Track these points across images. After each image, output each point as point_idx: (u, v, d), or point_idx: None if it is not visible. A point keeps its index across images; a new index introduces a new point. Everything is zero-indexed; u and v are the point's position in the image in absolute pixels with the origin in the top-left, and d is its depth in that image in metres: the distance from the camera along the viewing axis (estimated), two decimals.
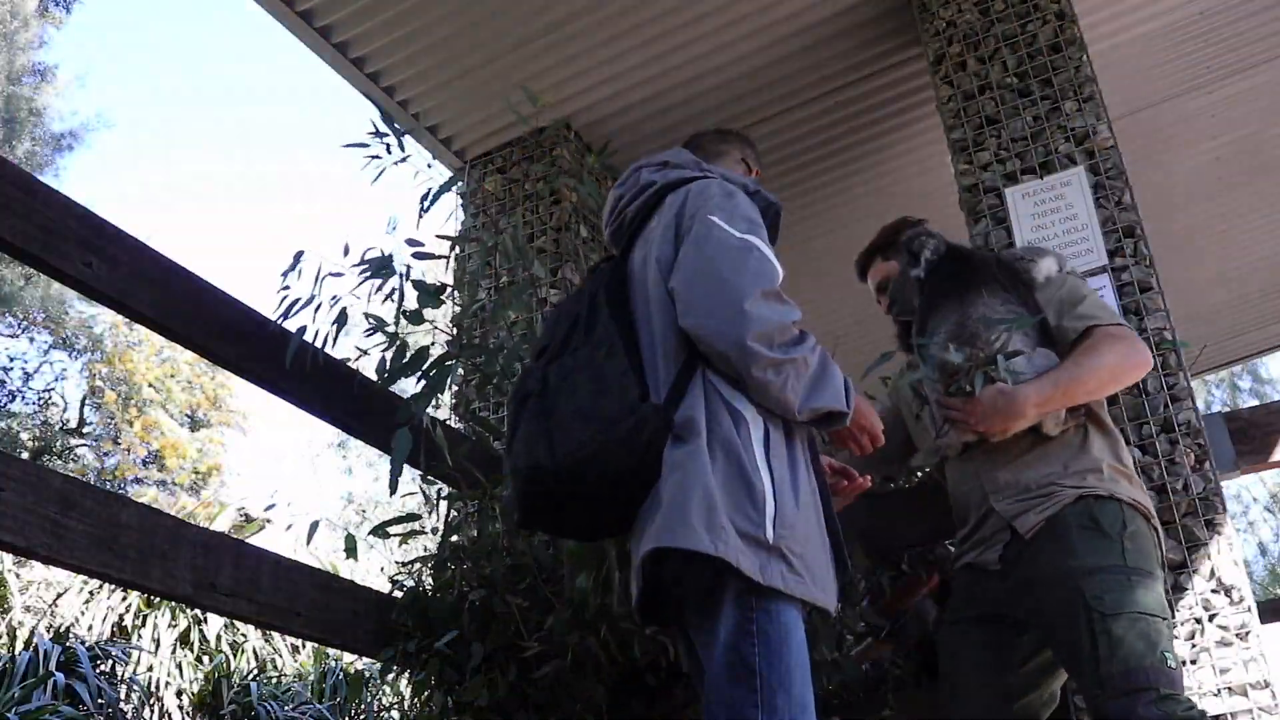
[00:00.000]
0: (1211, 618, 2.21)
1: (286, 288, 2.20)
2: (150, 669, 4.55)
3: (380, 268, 2.28)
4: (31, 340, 12.21)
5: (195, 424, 13.72)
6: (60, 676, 3.89)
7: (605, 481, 1.44)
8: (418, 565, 2.52)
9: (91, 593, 4.85)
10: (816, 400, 1.48)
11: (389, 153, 2.41)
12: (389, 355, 2.25)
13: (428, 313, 2.30)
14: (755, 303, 1.46)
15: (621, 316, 1.60)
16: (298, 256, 2.26)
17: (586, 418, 1.45)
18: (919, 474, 3.37)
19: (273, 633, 5.16)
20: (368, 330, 2.32)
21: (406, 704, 2.49)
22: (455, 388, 3.12)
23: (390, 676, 2.76)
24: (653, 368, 1.55)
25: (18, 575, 4.92)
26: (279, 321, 2.19)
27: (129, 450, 12.44)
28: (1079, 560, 1.77)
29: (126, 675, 4.45)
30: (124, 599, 4.83)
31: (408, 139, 2.50)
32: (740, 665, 1.37)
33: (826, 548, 1.50)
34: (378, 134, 2.41)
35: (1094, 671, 1.70)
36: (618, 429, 1.43)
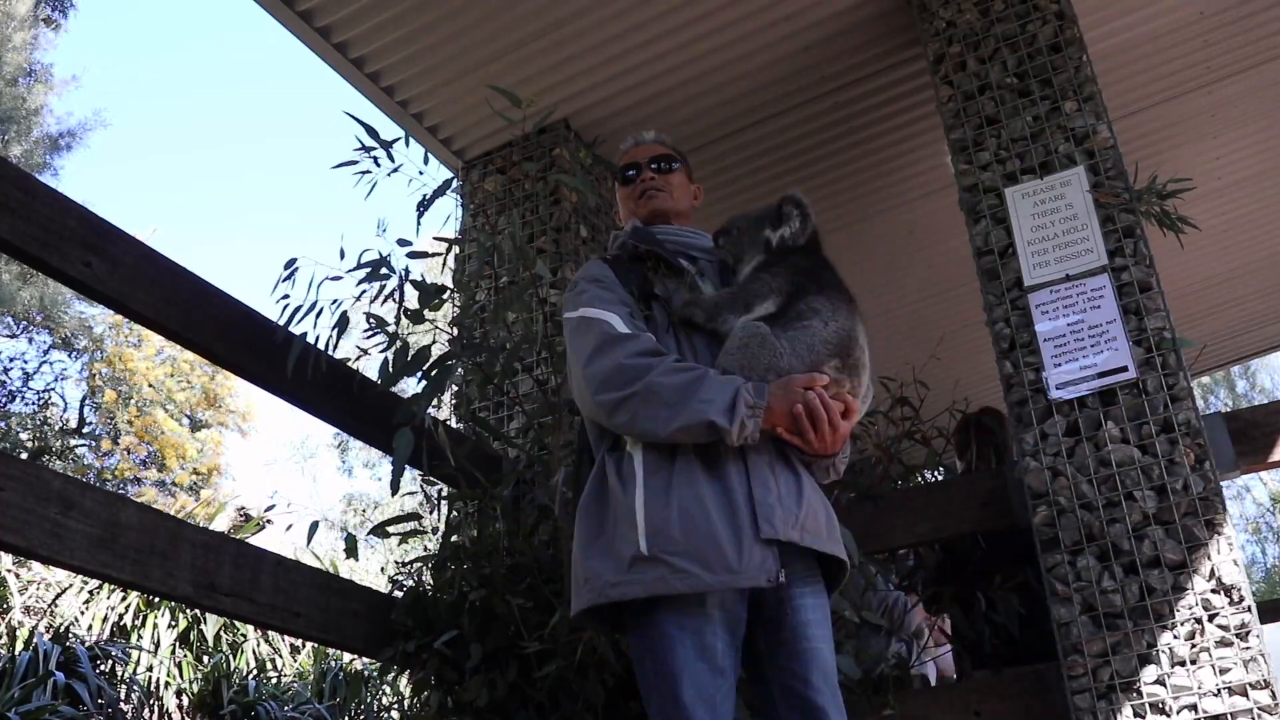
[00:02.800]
0: (1211, 618, 2.21)
1: (286, 297, 2.20)
2: (150, 669, 4.55)
3: (377, 270, 2.28)
4: (31, 340, 12.20)
5: (195, 424, 13.71)
6: (60, 676, 3.89)
7: None
8: (418, 565, 2.52)
9: (91, 593, 4.85)
10: (675, 420, 1.54)
11: (378, 165, 2.40)
12: (390, 355, 2.25)
13: (428, 313, 2.30)
14: (589, 363, 1.62)
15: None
16: (291, 264, 2.25)
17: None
18: (919, 475, 3.37)
19: (273, 633, 5.16)
20: (367, 331, 2.32)
21: (406, 704, 2.49)
22: (455, 388, 3.11)
23: (390, 676, 2.76)
24: None
25: (18, 575, 4.91)
26: (282, 327, 2.19)
27: (128, 450, 12.43)
28: None
29: (126, 675, 4.45)
30: (124, 599, 4.83)
31: (404, 143, 2.49)
32: (642, 678, 1.55)
33: (737, 531, 1.52)
34: (365, 149, 2.39)
35: None
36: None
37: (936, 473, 3.52)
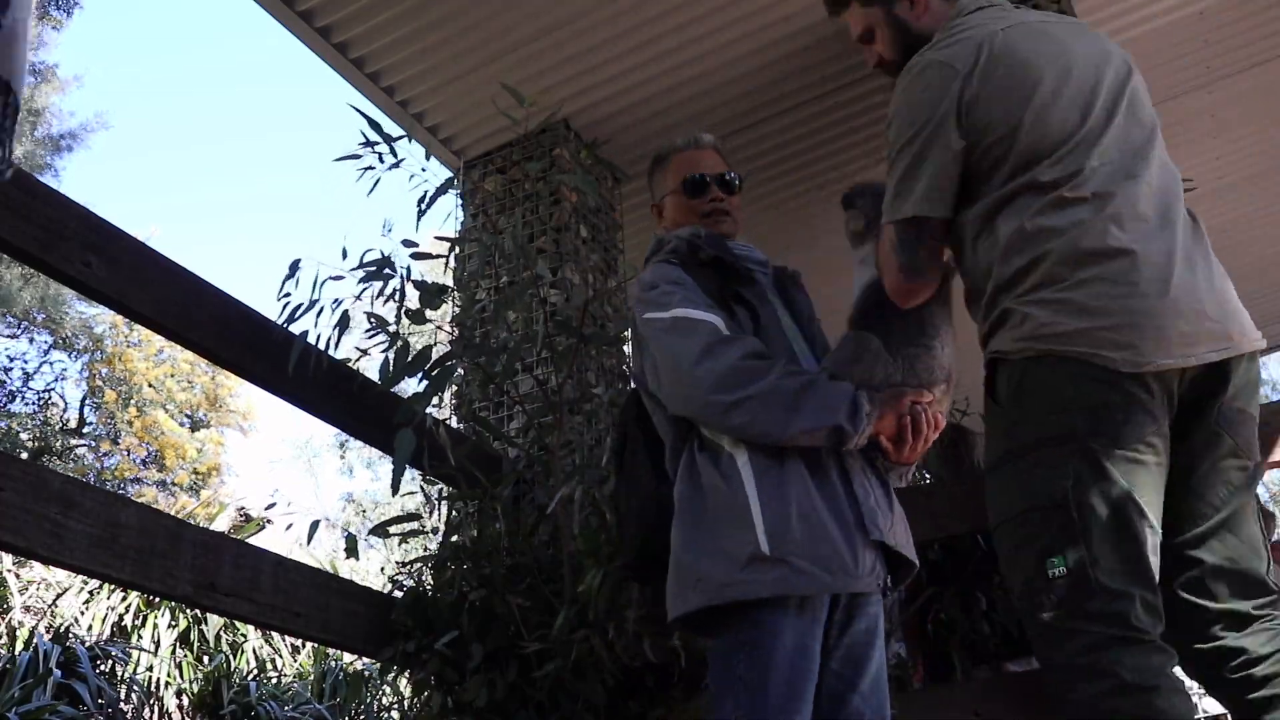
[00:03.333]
0: None
1: (287, 295, 2.19)
2: (150, 669, 4.56)
3: (379, 270, 2.27)
4: (31, 340, 12.22)
5: (195, 424, 13.72)
6: (60, 676, 3.90)
7: (659, 558, 1.66)
8: (418, 565, 2.52)
9: (91, 593, 4.85)
10: (798, 423, 1.54)
11: (381, 161, 2.38)
12: (391, 355, 2.25)
13: (429, 313, 2.30)
14: (699, 363, 1.59)
15: (645, 422, 1.81)
16: (294, 265, 2.24)
17: (629, 518, 1.78)
18: (924, 476, 3.37)
19: (273, 633, 5.16)
20: (368, 330, 2.32)
21: (406, 704, 2.49)
22: (455, 387, 3.11)
23: (390, 676, 2.76)
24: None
25: (18, 575, 4.91)
26: (282, 327, 2.18)
27: (128, 450, 12.44)
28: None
29: (126, 675, 4.45)
30: (124, 599, 4.83)
31: (405, 141, 2.48)
32: (728, 674, 1.50)
33: (849, 534, 1.54)
34: (368, 143, 2.38)
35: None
36: (644, 517, 1.72)
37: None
